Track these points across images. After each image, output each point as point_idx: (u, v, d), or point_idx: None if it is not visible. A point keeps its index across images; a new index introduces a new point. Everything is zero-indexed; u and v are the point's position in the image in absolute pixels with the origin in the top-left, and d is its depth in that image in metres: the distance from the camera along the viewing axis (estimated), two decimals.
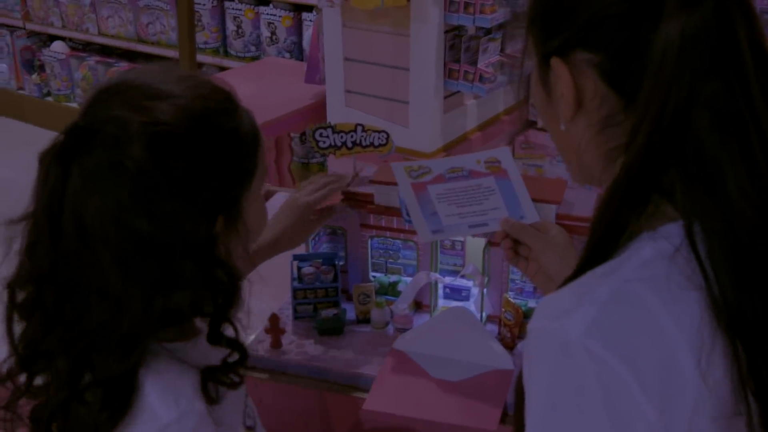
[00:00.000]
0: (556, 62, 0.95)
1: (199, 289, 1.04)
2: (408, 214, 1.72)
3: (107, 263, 1.00)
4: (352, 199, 1.82)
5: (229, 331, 1.13)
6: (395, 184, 1.69)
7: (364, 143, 1.83)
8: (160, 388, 1.05)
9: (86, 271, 1.01)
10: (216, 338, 1.11)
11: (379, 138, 1.83)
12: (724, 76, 0.85)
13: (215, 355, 1.13)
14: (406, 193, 1.55)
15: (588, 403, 0.81)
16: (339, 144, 1.84)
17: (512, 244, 1.47)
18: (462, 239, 1.84)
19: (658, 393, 0.80)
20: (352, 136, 1.83)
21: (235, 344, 1.14)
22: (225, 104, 1.12)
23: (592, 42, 0.92)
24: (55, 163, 1.01)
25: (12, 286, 1.07)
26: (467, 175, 1.56)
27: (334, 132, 1.83)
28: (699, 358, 0.82)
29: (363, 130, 1.83)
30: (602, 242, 0.89)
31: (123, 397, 1.03)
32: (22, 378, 1.10)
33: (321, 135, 1.83)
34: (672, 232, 0.87)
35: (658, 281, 0.84)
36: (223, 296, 1.08)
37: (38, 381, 1.10)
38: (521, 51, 1.05)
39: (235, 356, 1.14)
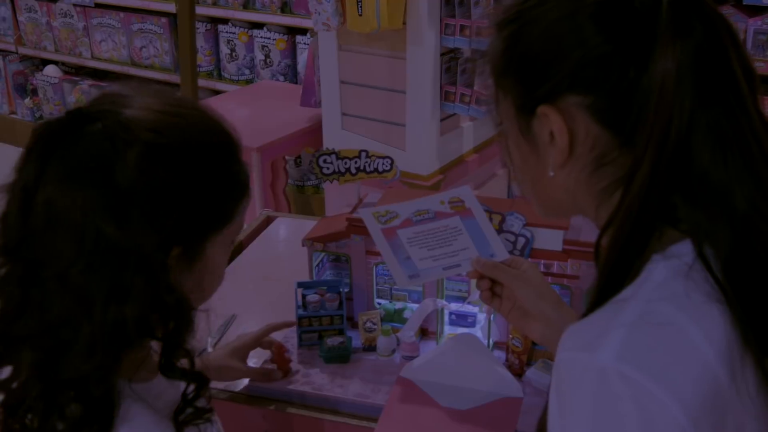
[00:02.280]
0: (544, 109, 0.94)
1: (146, 308, 1.01)
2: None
3: (69, 252, 0.97)
4: (357, 226, 1.81)
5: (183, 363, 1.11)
6: None
7: (368, 169, 1.83)
8: None
9: (49, 255, 0.99)
10: (168, 369, 1.08)
11: (383, 164, 1.82)
12: (723, 100, 0.86)
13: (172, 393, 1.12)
14: (377, 239, 1.55)
15: (630, 429, 0.80)
16: (343, 170, 1.83)
17: (490, 284, 1.45)
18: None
19: (698, 409, 0.80)
20: (356, 162, 1.82)
21: (189, 375, 1.11)
22: (230, 147, 1.12)
23: (582, 84, 0.91)
24: (44, 139, 0.99)
25: None
26: (433, 217, 1.57)
27: (338, 158, 1.82)
28: (732, 372, 0.82)
29: (367, 156, 1.82)
30: (617, 271, 0.89)
31: (103, 417, 1.01)
32: None
33: (325, 161, 1.82)
34: (682, 251, 0.87)
35: (680, 298, 0.84)
36: (172, 321, 1.05)
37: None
38: (492, 99, 1.03)
39: (192, 388, 1.11)
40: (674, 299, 0.84)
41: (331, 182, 1.83)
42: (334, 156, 1.82)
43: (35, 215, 0.99)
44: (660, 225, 0.89)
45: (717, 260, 0.85)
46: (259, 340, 1.73)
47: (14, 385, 1.04)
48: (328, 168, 1.82)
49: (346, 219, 1.83)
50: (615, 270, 0.89)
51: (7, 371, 1.06)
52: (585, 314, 0.91)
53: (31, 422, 1.03)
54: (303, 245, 1.87)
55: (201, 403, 1.13)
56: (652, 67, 0.85)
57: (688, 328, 0.82)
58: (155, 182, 1.00)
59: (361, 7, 2.98)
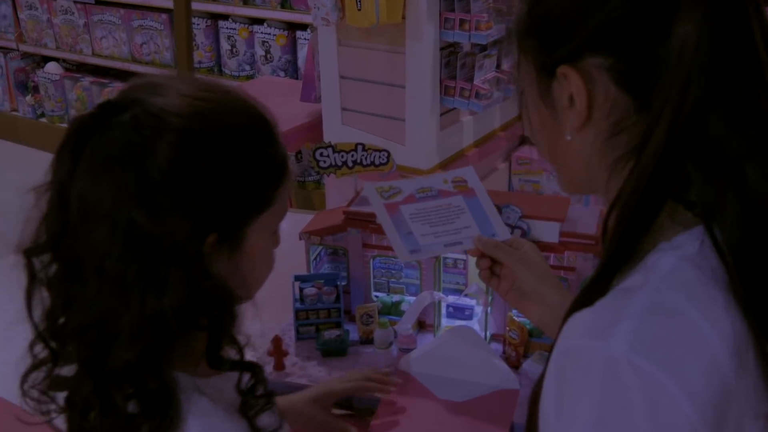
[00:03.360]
0: (564, 70, 0.93)
1: (185, 298, 0.99)
2: None
3: (104, 243, 0.97)
4: (354, 219, 1.81)
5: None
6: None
7: (364, 162, 1.83)
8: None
9: (87, 248, 0.99)
10: (216, 361, 1.06)
11: (380, 157, 1.83)
12: (742, 70, 0.85)
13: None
14: (380, 213, 1.54)
15: (637, 420, 0.79)
16: (340, 163, 1.83)
17: (489, 264, 1.46)
18: (465, 257, 1.83)
19: (706, 402, 0.79)
20: (352, 156, 1.82)
21: (240, 365, 1.08)
22: (263, 126, 1.09)
23: (604, 45, 0.90)
24: (76, 134, 0.99)
25: (26, 254, 1.03)
26: (436, 195, 1.57)
27: (334, 151, 1.82)
28: (738, 362, 0.81)
29: (363, 150, 1.82)
30: (622, 246, 0.89)
31: (163, 410, 1.00)
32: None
33: (321, 155, 1.82)
34: (686, 241, 0.87)
35: (689, 287, 0.84)
36: (215, 312, 1.04)
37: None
38: (515, 65, 1.03)
39: (247, 377, 1.09)
40: (683, 288, 0.84)
41: (328, 175, 1.83)
42: (330, 149, 1.82)
43: (71, 210, 0.99)
44: (669, 205, 0.88)
45: (726, 247, 0.84)
46: (348, 393, 1.63)
47: (72, 381, 1.04)
48: (324, 161, 1.83)
49: (342, 212, 1.83)
50: (624, 239, 0.88)
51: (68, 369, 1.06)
52: (584, 290, 0.90)
53: (94, 419, 1.02)
54: (300, 239, 1.87)
55: (260, 391, 1.11)
56: (673, 30, 0.84)
57: (697, 320, 0.82)
58: (184, 168, 0.99)
59: (359, 1, 2.98)
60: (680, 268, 0.85)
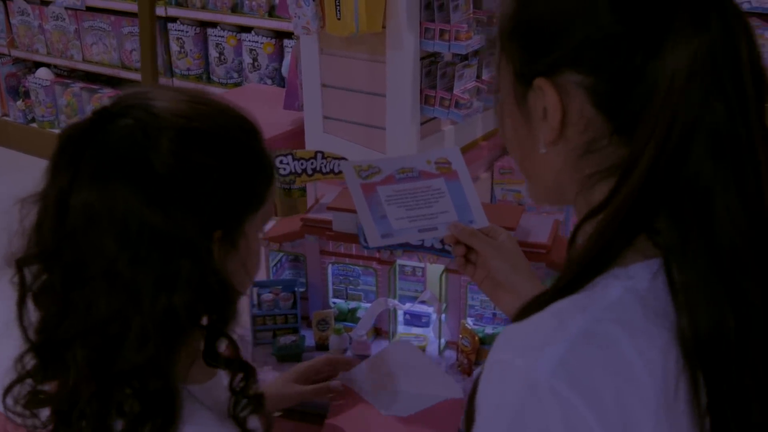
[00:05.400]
0: (541, 83, 0.90)
1: (194, 293, 1.01)
2: (365, 240, 1.72)
3: (114, 247, 0.98)
4: (311, 226, 1.83)
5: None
6: (353, 211, 1.69)
7: (324, 170, 1.84)
8: None
9: (92, 254, 0.99)
10: (212, 357, 1.07)
11: (338, 165, 1.84)
12: (727, 101, 0.81)
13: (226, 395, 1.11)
14: (356, 194, 1.51)
15: None
16: (299, 171, 1.84)
17: (465, 251, 1.45)
18: (422, 265, 1.84)
19: None
20: (312, 163, 1.84)
21: (235, 363, 1.10)
22: (253, 128, 1.12)
23: (584, 63, 0.87)
24: (73, 142, 1.00)
25: (20, 264, 1.04)
26: (417, 176, 1.53)
27: (294, 159, 1.84)
28: (665, 402, 0.80)
29: (323, 157, 1.84)
30: (586, 272, 0.86)
31: (164, 412, 1.01)
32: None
33: (281, 162, 1.83)
34: (640, 273, 0.85)
35: (630, 322, 0.82)
36: (217, 308, 1.05)
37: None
38: (495, 64, 1.00)
39: (240, 377, 1.11)
40: (623, 322, 0.82)
41: (288, 182, 1.84)
42: (290, 157, 1.83)
43: (72, 218, 0.99)
44: (641, 231, 0.85)
45: (681, 285, 0.82)
46: (316, 368, 1.67)
47: (65, 390, 1.04)
48: (284, 169, 1.84)
49: (300, 219, 1.84)
50: (584, 272, 0.86)
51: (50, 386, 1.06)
52: (531, 302, 0.88)
53: (86, 429, 1.02)
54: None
55: (251, 391, 1.12)
56: (662, 58, 0.81)
57: (630, 355, 0.80)
58: (191, 166, 1.01)
59: (339, 10, 2.99)
60: (626, 300, 0.83)
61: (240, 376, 1.11)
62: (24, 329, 1.05)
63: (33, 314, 1.05)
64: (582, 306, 0.84)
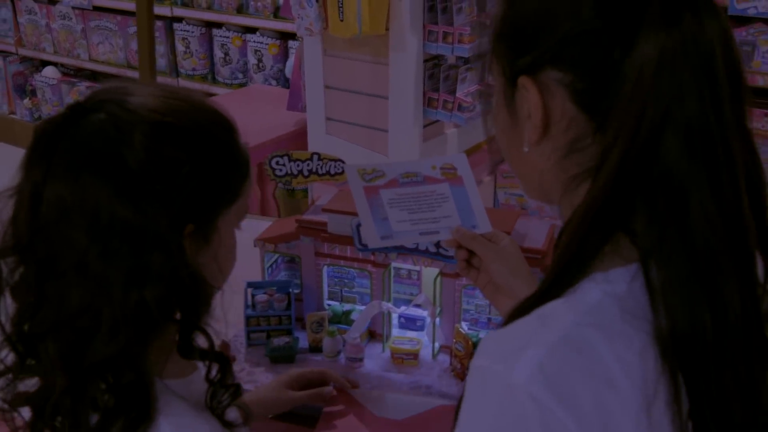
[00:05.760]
0: (524, 81, 0.90)
1: (165, 287, 1.01)
2: (360, 243, 1.71)
3: (84, 240, 0.98)
4: (306, 227, 1.82)
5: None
6: (348, 213, 1.69)
7: (320, 171, 1.84)
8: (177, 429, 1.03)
9: (64, 247, 0.99)
10: (187, 350, 1.07)
11: (335, 167, 1.83)
12: (700, 97, 0.81)
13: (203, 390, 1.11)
14: (357, 196, 1.49)
15: None
16: (295, 172, 1.84)
17: (467, 255, 1.45)
18: (418, 268, 1.84)
19: None
20: (308, 165, 1.83)
21: (210, 354, 1.09)
22: (228, 124, 1.12)
23: (564, 60, 0.87)
24: (47, 136, 1.00)
25: None
26: (422, 181, 1.51)
27: (290, 160, 1.83)
28: (645, 407, 0.79)
29: (319, 159, 1.83)
30: (564, 274, 0.86)
31: (138, 405, 1.00)
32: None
33: (277, 163, 1.83)
34: (619, 277, 0.84)
35: (608, 326, 0.81)
36: (189, 302, 1.05)
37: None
38: (488, 66, 0.99)
39: (215, 368, 1.10)
40: (602, 326, 0.81)
41: (283, 184, 1.84)
42: (286, 158, 1.83)
43: (45, 211, 0.99)
44: (618, 231, 0.85)
45: (661, 287, 0.81)
46: (309, 377, 1.67)
47: (39, 384, 1.04)
48: (280, 170, 1.83)
49: (296, 221, 1.84)
50: (562, 275, 0.86)
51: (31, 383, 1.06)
52: (513, 315, 0.88)
53: (62, 424, 1.02)
54: (255, 246, 1.88)
55: (228, 382, 1.12)
56: (634, 52, 0.81)
57: (607, 359, 0.80)
58: (163, 160, 1.01)
59: (342, 12, 2.99)
60: (604, 305, 0.83)
61: (216, 367, 1.10)
62: (0, 323, 1.05)
63: (12, 307, 1.05)
64: (561, 311, 0.84)
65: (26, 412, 1.08)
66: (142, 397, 1.01)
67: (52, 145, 1.00)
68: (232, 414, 1.14)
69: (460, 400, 0.90)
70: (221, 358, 1.11)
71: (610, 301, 0.83)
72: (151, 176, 1.00)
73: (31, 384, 1.07)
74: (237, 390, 1.13)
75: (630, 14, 0.83)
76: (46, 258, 1.01)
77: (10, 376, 1.07)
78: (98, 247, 0.98)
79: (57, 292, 1.01)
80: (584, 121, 0.88)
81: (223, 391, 1.11)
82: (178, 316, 1.06)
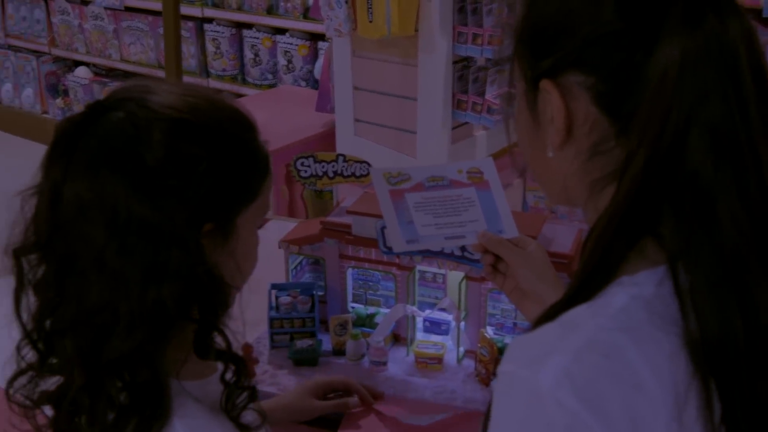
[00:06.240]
0: (546, 84, 0.89)
1: (183, 285, 1.00)
2: (385, 245, 1.70)
3: (103, 237, 0.98)
4: (331, 229, 1.81)
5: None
6: (373, 215, 1.67)
7: (345, 173, 1.83)
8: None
9: (83, 244, 0.99)
10: (203, 350, 1.06)
11: (360, 168, 1.82)
12: (724, 99, 0.80)
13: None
14: (383, 199, 1.49)
15: None
16: (320, 174, 1.83)
17: (493, 260, 1.43)
18: (443, 272, 1.82)
19: None
20: (333, 166, 1.82)
21: (226, 355, 1.08)
22: (247, 122, 1.12)
23: (586, 63, 0.86)
24: (67, 135, 1.00)
25: (17, 253, 1.04)
26: (448, 185, 1.50)
27: (315, 161, 1.82)
28: (676, 412, 0.77)
29: (344, 161, 1.82)
30: (591, 279, 0.85)
31: (153, 403, 1.00)
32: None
33: (302, 164, 1.82)
34: (646, 279, 0.83)
35: (636, 330, 0.80)
36: (207, 300, 1.04)
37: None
38: (510, 68, 0.98)
39: (231, 369, 1.09)
40: (630, 330, 0.80)
41: (309, 185, 1.83)
42: (311, 159, 1.82)
43: (64, 209, 1.00)
44: (645, 235, 0.84)
45: (690, 291, 0.80)
46: (334, 385, 1.67)
47: (57, 391, 1.04)
48: (305, 171, 1.83)
49: (320, 222, 1.83)
50: (590, 279, 0.85)
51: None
52: (540, 321, 0.86)
53: (80, 420, 1.03)
54: (279, 247, 1.87)
55: (244, 384, 1.11)
56: (656, 54, 0.80)
57: (636, 363, 0.78)
58: (181, 157, 1.01)
59: (371, 13, 2.99)
60: (631, 308, 0.81)
61: (232, 368, 1.10)
62: (20, 319, 1.05)
63: (33, 305, 1.06)
64: (587, 315, 0.83)
65: (49, 411, 1.09)
66: (156, 396, 1.01)
67: (72, 143, 1.00)
68: (249, 416, 1.13)
69: (489, 406, 0.89)
70: (237, 359, 1.10)
71: (637, 304, 0.81)
72: (169, 173, 1.00)
73: (52, 382, 1.07)
74: (253, 392, 1.12)
75: (652, 16, 0.82)
76: (66, 255, 1.01)
77: (31, 373, 1.07)
78: (116, 244, 0.98)
79: (76, 289, 1.01)
80: (607, 123, 0.87)
81: (239, 392, 1.10)
82: (196, 315, 1.05)
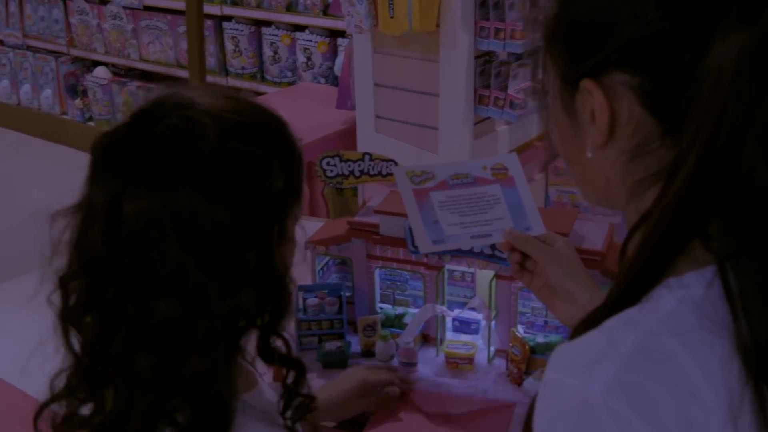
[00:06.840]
0: (588, 84, 0.86)
1: (258, 291, 0.99)
2: (413, 245, 1.67)
3: (179, 250, 0.95)
4: (358, 229, 1.79)
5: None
6: (401, 214, 1.65)
7: (371, 172, 1.80)
8: None
9: (153, 260, 0.96)
10: (268, 355, 1.06)
11: (386, 167, 1.79)
12: None
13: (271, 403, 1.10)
14: (407, 199, 1.47)
15: None
16: (346, 173, 1.81)
17: (521, 258, 1.42)
18: (472, 270, 1.79)
19: None
20: (359, 165, 1.80)
21: (289, 361, 1.08)
22: (284, 121, 1.11)
23: (632, 63, 0.82)
24: (117, 148, 0.97)
25: (64, 281, 1.01)
26: (472, 182, 1.48)
27: (341, 161, 1.80)
28: (731, 417, 0.75)
29: (371, 159, 1.80)
30: (636, 284, 0.82)
31: (217, 420, 0.98)
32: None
33: (328, 164, 1.80)
34: (694, 281, 0.80)
35: (687, 333, 0.78)
36: (276, 304, 1.04)
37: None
38: (541, 66, 0.96)
39: (292, 375, 1.10)
40: (680, 333, 0.77)
41: (334, 185, 1.81)
42: (337, 158, 1.80)
43: (129, 226, 0.96)
44: (693, 237, 0.81)
45: (740, 293, 0.78)
46: (383, 384, 1.64)
47: (104, 408, 1.01)
48: (331, 170, 1.80)
49: (347, 222, 1.81)
50: (640, 276, 0.82)
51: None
52: (583, 326, 0.84)
53: None
54: (305, 248, 1.85)
55: (304, 390, 1.12)
56: (710, 52, 0.77)
57: (689, 368, 0.76)
58: (243, 159, 1.00)
59: (392, 9, 2.96)
60: (680, 311, 0.79)
61: (293, 374, 1.10)
62: (71, 347, 1.02)
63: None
64: (634, 320, 0.80)
65: None
66: (222, 411, 0.98)
67: (125, 156, 0.96)
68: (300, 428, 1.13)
69: (528, 414, 0.86)
70: (299, 363, 1.10)
71: (686, 307, 0.79)
72: (236, 176, 0.99)
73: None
74: (312, 401, 1.12)
75: (703, 14, 0.78)
76: (129, 275, 0.97)
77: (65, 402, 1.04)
78: (194, 257, 0.95)
79: (143, 308, 0.97)
80: (652, 124, 0.84)
81: (299, 399, 1.09)
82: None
